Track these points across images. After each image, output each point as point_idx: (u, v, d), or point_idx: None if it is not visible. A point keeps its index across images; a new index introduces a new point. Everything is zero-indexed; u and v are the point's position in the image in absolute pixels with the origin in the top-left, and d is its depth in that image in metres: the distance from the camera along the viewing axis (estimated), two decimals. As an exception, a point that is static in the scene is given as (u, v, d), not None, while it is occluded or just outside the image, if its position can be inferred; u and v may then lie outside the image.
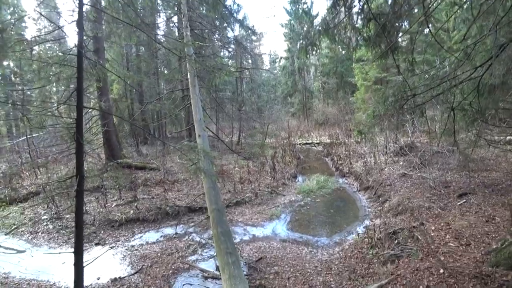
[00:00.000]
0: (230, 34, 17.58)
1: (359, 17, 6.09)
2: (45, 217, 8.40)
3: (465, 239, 4.52)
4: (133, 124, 12.91)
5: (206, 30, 13.18)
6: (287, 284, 4.95)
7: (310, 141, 20.86)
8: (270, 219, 8.30)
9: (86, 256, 4.73)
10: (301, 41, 5.39)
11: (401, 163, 10.45)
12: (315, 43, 5.05)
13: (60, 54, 4.30)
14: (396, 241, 5.17)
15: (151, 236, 7.50)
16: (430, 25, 5.64)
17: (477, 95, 4.19)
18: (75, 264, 3.88)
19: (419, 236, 4.91)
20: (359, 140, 15.02)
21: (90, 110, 6.44)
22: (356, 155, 12.99)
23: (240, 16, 12.77)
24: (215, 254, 5.76)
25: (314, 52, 5.73)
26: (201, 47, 11.59)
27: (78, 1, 3.82)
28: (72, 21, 3.95)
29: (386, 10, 6.65)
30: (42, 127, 4.91)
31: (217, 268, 5.51)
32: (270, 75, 30.32)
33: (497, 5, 4.00)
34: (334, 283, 4.79)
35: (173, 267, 5.85)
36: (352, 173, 11.48)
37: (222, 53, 18.37)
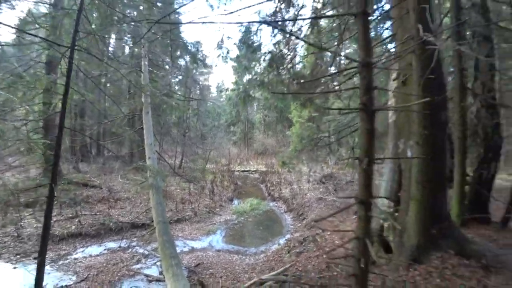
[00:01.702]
0: (181, 62, 18.99)
1: (287, 76, 8.28)
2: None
3: (346, 238, 6.55)
4: (83, 138, 12.91)
5: (161, 60, 14.43)
6: (220, 281, 6.19)
7: (248, 169, 22.65)
8: (207, 234, 9.45)
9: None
10: (241, 92, 7.20)
11: (320, 189, 12.80)
12: (250, 95, 6.88)
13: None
14: (303, 244, 6.96)
15: (95, 249, 7.92)
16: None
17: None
18: (38, 265, 4.51)
19: (318, 239, 6.79)
20: (281, 170, 17.29)
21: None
22: (286, 183, 15.13)
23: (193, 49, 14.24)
24: (159, 261, 6.69)
25: (250, 102, 7.63)
26: (155, 74, 12.72)
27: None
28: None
29: (306, 73, 9.10)
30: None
31: (161, 273, 6.41)
32: (216, 103, 32.12)
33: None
34: (256, 277, 6.22)
35: (119, 274, 6.54)
36: (281, 198, 13.45)
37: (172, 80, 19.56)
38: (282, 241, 8.75)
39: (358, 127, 8.42)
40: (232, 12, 3.07)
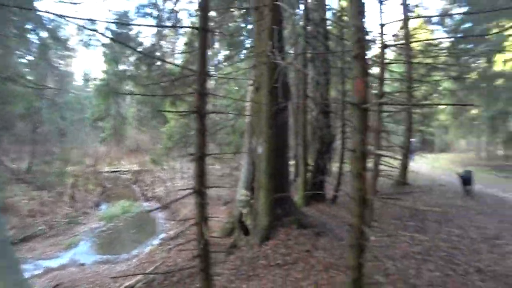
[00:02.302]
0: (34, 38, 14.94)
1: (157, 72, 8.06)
2: None
3: (213, 229, 7.12)
4: None
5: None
6: (83, 297, 5.55)
7: (119, 169, 20.64)
8: (67, 248, 8.19)
9: None
10: (103, 85, 6.61)
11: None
12: (114, 89, 6.46)
13: None
14: (175, 239, 7.09)
15: None
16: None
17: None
18: None
19: (188, 232, 7.11)
20: (154, 168, 16.72)
21: None
22: (160, 181, 14.75)
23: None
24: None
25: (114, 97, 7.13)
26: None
27: None
28: None
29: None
30: None
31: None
32: (81, 94, 27.43)
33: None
34: (127, 282, 5.91)
35: None
36: (155, 197, 13.07)
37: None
38: (156, 241, 8.56)
39: (231, 125, 9.11)
40: None
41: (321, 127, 7.95)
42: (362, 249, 2.69)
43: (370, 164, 3.94)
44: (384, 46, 3.79)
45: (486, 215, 6.70)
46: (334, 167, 10.72)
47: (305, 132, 7.15)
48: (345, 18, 8.92)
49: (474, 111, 18.49)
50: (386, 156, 3.74)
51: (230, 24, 8.79)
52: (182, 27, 7.10)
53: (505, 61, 15.60)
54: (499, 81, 15.49)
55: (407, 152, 10.47)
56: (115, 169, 20.39)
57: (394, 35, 9.24)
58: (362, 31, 2.46)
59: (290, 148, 5.60)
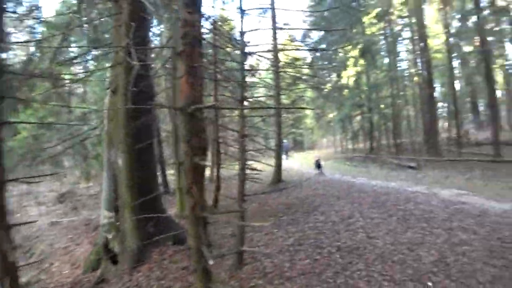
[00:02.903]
0: None
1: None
2: None
3: (77, 264, 5.81)
4: None
5: None
6: None
7: None
8: None
9: None
10: None
11: (58, 211, 10.60)
12: None
13: None
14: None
15: None
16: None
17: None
18: None
19: (43, 277, 5.51)
20: None
21: None
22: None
23: None
24: None
25: None
26: None
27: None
28: None
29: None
30: None
31: None
32: None
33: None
34: None
35: None
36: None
37: None
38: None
39: (96, 134, 7.68)
40: None
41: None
42: (207, 272, 2.44)
43: (236, 169, 3.95)
44: (244, 54, 3.87)
45: (342, 199, 7.96)
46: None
47: (177, 139, 6.67)
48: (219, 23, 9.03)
49: (330, 115, 22.83)
50: (252, 160, 3.82)
51: (93, 16, 7.51)
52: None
53: (348, 77, 19.66)
54: (345, 92, 19.44)
55: (280, 153, 11.60)
56: None
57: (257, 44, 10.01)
58: (191, 25, 2.30)
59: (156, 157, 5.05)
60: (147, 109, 4.23)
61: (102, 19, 7.14)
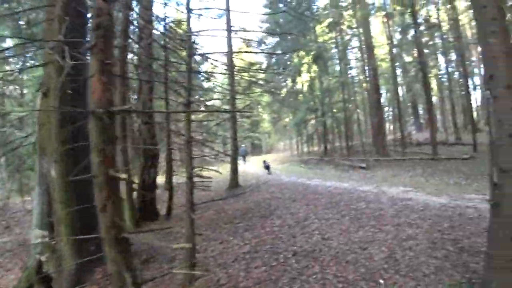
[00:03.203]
0: None
1: None
2: None
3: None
4: None
5: None
6: None
7: None
8: None
9: None
10: None
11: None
12: None
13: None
14: None
15: None
16: None
17: None
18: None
19: None
20: None
21: None
22: None
23: None
24: None
25: None
26: None
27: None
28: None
29: None
30: None
31: None
32: None
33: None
34: None
35: None
36: None
37: None
38: None
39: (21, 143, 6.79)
40: None
41: (144, 139, 7.20)
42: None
43: (183, 178, 3.69)
44: (190, 55, 3.65)
45: (298, 201, 8.02)
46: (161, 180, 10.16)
47: (125, 147, 6.20)
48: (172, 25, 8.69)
49: (286, 119, 23.45)
50: (203, 167, 3.59)
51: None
52: None
53: (302, 82, 20.33)
54: (300, 96, 20.05)
55: (236, 158, 11.44)
56: None
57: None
58: (106, 14, 2.04)
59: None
60: (84, 112, 3.76)
61: (31, 11, 6.38)
